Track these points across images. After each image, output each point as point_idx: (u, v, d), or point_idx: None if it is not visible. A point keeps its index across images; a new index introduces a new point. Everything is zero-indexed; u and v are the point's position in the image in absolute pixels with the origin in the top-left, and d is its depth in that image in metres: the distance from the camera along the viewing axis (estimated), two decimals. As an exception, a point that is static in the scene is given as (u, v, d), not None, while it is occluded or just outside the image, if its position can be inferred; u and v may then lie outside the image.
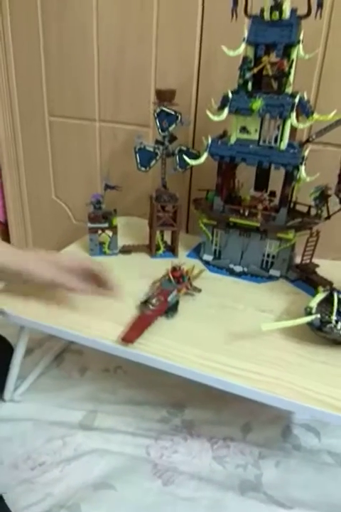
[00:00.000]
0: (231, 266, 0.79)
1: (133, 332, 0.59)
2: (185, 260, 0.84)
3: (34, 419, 0.79)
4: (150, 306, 0.64)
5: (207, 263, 0.82)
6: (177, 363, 0.56)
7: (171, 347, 0.59)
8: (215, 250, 0.82)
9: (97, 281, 0.65)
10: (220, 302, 0.70)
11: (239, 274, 0.78)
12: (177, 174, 0.82)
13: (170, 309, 0.65)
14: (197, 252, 0.86)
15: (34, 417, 0.79)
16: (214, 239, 0.81)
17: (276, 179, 0.76)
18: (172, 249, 0.86)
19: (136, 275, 0.77)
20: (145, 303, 0.65)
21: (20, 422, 0.78)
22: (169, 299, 0.66)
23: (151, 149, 0.78)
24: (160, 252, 0.84)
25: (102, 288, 0.65)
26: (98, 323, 0.64)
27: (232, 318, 0.66)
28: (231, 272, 0.79)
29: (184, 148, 0.78)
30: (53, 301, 0.69)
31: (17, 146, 1.14)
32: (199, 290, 0.72)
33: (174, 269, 0.71)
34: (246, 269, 0.79)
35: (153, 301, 0.64)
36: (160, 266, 0.81)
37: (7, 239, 1.29)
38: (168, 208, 0.81)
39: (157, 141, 0.77)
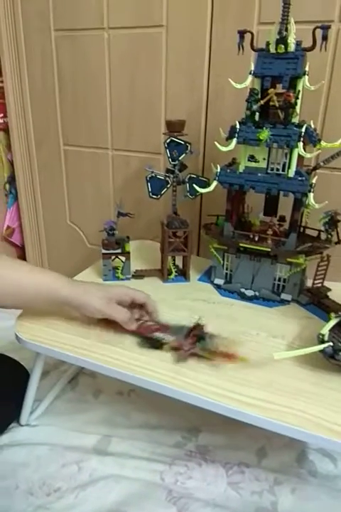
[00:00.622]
0: (243, 290, 0.80)
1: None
2: (196, 285, 0.85)
3: (49, 444, 0.80)
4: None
5: (218, 287, 0.83)
6: (187, 391, 0.57)
7: (181, 374, 0.59)
8: (226, 274, 0.83)
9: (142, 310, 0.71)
10: (232, 328, 0.70)
11: (250, 298, 0.79)
12: (187, 200, 0.84)
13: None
14: (208, 275, 0.87)
15: (49, 442, 0.80)
16: (224, 263, 0.82)
17: (286, 203, 0.77)
18: (183, 274, 0.87)
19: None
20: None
21: (35, 446, 0.79)
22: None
23: (162, 178, 0.80)
24: (172, 276, 0.86)
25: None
26: (113, 351, 0.65)
27: (244, 344, 0.67)
28: (243, 296, 0.80)
29: (194, 176, 0.80)
30: (69, 327, 0.71)
31: (33, 173, 1.19)
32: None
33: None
34: (257, 294, 0.79)
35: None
36: (172, 290, 0.83)
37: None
38: (179, 234, 0.83)
39: (168, 170, 0.80)
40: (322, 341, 0.56)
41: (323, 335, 0.57)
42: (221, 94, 0.90)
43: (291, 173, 0.71)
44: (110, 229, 0.82)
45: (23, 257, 1.32)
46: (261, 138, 0.68)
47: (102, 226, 0.83)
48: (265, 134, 0.68)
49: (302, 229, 0.81)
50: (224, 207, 0.79)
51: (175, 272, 0.87)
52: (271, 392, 0.56)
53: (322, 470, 0.77)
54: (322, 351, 0.56)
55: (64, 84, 1.05)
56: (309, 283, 0.81)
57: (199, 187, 0.77)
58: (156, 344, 0.66)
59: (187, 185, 0.81)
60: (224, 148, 0.70)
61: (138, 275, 0.87)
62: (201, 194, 0.94)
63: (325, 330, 0.58)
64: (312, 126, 0.71)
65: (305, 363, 0.61)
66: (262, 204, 0.82)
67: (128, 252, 0.84)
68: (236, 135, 0.70)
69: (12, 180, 1.22)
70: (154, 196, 0.82)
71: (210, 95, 0.92)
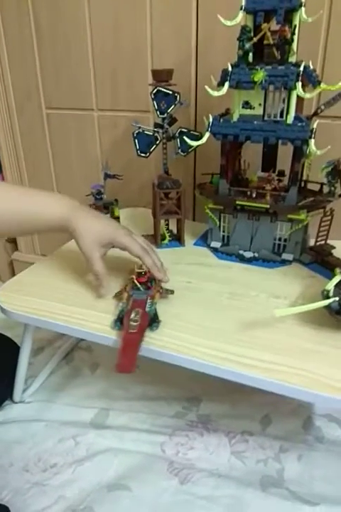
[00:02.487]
0: (241, 252, 0.75)
1: (126, 359, 0.51)
2: (192, 249, 0.80)
3: (45, 420, 0.77)
4: (132, 324, 0.55)
5: (215, 250, 0.78)
6: (188, 356, 0.53)
7: (181, 339, 0.55)
8: (223, 236, 0.78)
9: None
10: (230, 290, 0.66)
11: (249, 260, 0.74)
12: (180, 160, 0.78)
13: (153, 321, 0.57)
14: (204, 239, 0.82)
15: (45, 418, 0.77)
16: (221, 225, 0.77)
17: (284, 158, 0.72)
18: (178, 239, 0.82)
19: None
20: (121, 320, 0.57)
21: (30, 423, 0.76)
22: (147, 309, 0.58)
23: (150, 133, 0.74)
24: (166, 241, 0.81)
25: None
26: (102, 318, 0.61)
27: (244, 306, 0.62)
28: (242, 258, 0.75)
29: (185, 130, 0.74)
30: (57, 295, 0.66)
31: (16, 142, 1.12)
32: (172, 292, 0.64)
33: (139, 275, 0.63)
34: (256, 255, 0.74)
35: (132, 316, 0.56)
36: (166, 256, 0.78)
37: (14, 239, 1.28)
38: (172, 195, 0.78)
39: (156, 125, 0.74)
40: (327, 297, 0.52)
41: (328, 290, 0.52)
42: (211, 41, 0.82)
43: (290, 119, 0.64)
44: (97, 193, 0.77)
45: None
46: (256, 79, 0.62)
47: (89, 192, 0.78)
48: (260, 74, 0.61)
49: (303, 183, 0.75)
50: (219, 165, 0.73)
51: (169, 236, 0.81)
52: (275, 353, 0.52)
53: (330, 435, 0.74)
54: (327, 307, 0.51)
55: (43, 42, 0.98)
56: (311, 242, 0.76)
57: (191, 141, 0.71)
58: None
59: (178, 140, 0.75)
60: (215, 93, 0.64)
61: (130, 242, 0.82)
62: (194, 152, 0.88)
63: (331, 285, 0.53)
64: (311, 67, 0.64)
65: (310, 322, 0.57)
66: (259, 160, 0.76)
67: (118, 217, 0.79)
68: (229, 78, 0.64)
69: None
70: (142, 154, 0.76)
71: (200, 42, 0.84)
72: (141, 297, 0.61)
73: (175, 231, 0.83)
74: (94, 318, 0.60)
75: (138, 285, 0.62)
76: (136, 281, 0.62)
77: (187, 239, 0.82)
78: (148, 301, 0.60)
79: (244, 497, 0.64)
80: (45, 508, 0.62)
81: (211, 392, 0.83)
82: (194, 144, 0.69)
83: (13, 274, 1.22)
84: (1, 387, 0.79)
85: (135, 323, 0.55)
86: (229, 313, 0.61)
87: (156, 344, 0.55)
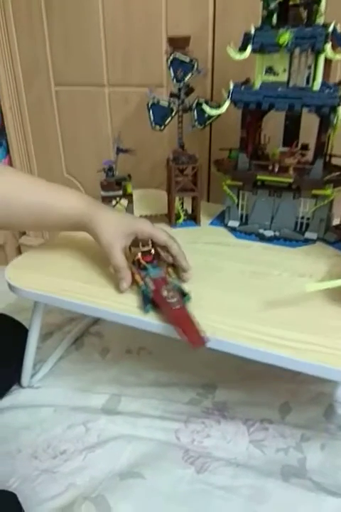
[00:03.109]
0: (261, 231, 0.71)
1: (194, 333, 0.48)
2: (208, 229, 0.76)
3: (54, 405, 0.74)
4: (172, 301, 0.52)
5: (233, 229, 0.74)
6: (212, 336, 0.49)
7: (204, 319, 0.51)
8: (242, 215, 0.74)
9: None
10: (252, 269, 0.62)
11: (270, 239, 0.70)
12: (195, 136, 0.74)
13: (183, 294, 0.54)
14: (221, 219, 0.78)
15: (54, 403, 0.74)
16: (239, 203, 0.73)
17: (307, 132, 0.67)
18: (193, 218, 0.78)
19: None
20: (151, 301, 0.53)
21: (39, 408, 0.73)
22: (173, 286, 0.55)
23: (166, 104, 0.70)
24: (181, 221, 0.77)
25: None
26: (119, 297, 0.57)
27: (267, 284, 0.58)
28: (262, 238, 0.71)
29: (202, 101, 0.70)
30: (67, 275, 0.63)
31: (24, 121, 1.08)
32: (174, 266, 0.61)
33: (145, 254, 0.59)
34: (277, 234, 0.70)
35: (165, 294, 0.53)
36: (181, 235, 0.74)
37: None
38: (187, 171, 0.74)
39: (172, 95, 0.69)
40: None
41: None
42: (229, 8, 0.78)
43: (317, 85, 0.60)
44: (109, 169, 0.73)
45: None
46: (281, 42, 0.57)
47: (100, 168, 0.74)
48: (285, 36, 0.57)
49: (327, 158, 0.70)
50: (237, 141, 0.69)
51: (184, 216, 0.78)
52: (303, 332, 0.48)
53: (353, 424, 0.70)
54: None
55: (52, 15, 0.94)
56: (336, 221, 0.72)
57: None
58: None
59: (195, 112, 0.70)
60: (237, 56, 0.60)
61: (143, 221, 0.78)
62: (210, 127, 0.84)
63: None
64: (339, 30, 0.60)
65: (338, 300, 0.52)
66: (280, 135, 0.71)
67: (131, 194, 0.75)
68: (252, 42, 0.59)
69: (2, 130, 1.12)
70: (157, 127, 0.72)
71: (217, 10, 0.79)
72: (159, 275, 0.57)
73: (189, 211, 0.79)
74: (114, 298, 0.57)
75: (145, 264, 0.59)
76: (142, 260, 0.59)
77: (202, 219, 0.78)
78: (167, 278, 0.57)
79: (265, 487, 0.61)
80: (54, 495, 0.59)
81: (226, 379, 0.79)
82: (213, 112, 0.65)
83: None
84: (8, 372, 0.76)
85: (174, 299, 0.52)
86: (252, 291, 0.57)
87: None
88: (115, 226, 0.59)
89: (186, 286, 0.57)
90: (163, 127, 0.72)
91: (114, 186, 0.73)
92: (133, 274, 0.58)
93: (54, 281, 0.61)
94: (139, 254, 0.59)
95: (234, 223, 0.74)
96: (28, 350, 0.73)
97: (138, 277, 0.57)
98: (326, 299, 0.53)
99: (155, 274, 0.57)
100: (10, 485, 0.60)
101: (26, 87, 1.05)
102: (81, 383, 0.79)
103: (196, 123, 0.72)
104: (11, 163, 1.14)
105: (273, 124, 0.71)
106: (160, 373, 0.81)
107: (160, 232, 0.60)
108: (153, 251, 0.60)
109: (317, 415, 0.72)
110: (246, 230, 0.72)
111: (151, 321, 0.53)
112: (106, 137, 0.99)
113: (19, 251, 1.27)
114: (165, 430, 0.69)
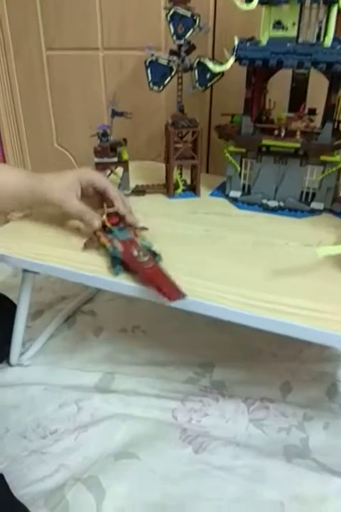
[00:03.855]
0: (265, 201, 0.67)
1: (169, 288, 0.45)
2: (208, 199, 0.72)
3: (44, 384, 0.70)
4: (143, 259, 0.49)
5: (234, 200, 0.70)
6: (217, 303, 0.45)
7: (207, 287, 0.48)
8: (244, 185, 0.70)
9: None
10: (256, 239, 0.58)
11: (274, 210, 0.66)
12: (194, 101, 0.70)
13: (154, 255, 0.52)
14: (221, 190, 0.74)
15: (44, 382, 0.71)
16: (242, 172, 0.69)
17: (313, 99, 0.64)
18: (192, 188, 0.74)
19: (151, 219, 0.65)
20: (121, 263, 0.51)
21: (28, 386, 0.69)
22: (143, 246, 0.52)
23: (165, 62, 0.65)
24: (179, 191, 0.73)
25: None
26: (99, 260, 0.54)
27: (272, 254, 0.55)
28: (265, 208, 0.67)
29: (205, 59, 0.65)
30: (53, 242, 0.59)
31: (13, 89, 1.03)
32: (146, 228, 0.59)
33: (110, 216, 0.57)
34: (282, 204, 0.66)
35: (135, 254, 0.50)
36: (180, 206, 0.70)
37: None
38: (187, 138, 0.69)
39: (171, 52, 0.65)
40: None
41: None
42: None
43: (328, 41, 0.56)
44: (103, 134, 0.68)
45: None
46: (292, -9, 0.53)
47: (94, 133, 0.69)
48: (297, -17, 0.52)
49: (336, 125, 0.66)
50: (239, 107, 0.65)
51: (183, 186, 0.73)
52: (313, 300, 0.45)
53: (357, 403, 0.67)
54: None
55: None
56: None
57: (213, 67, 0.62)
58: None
59: (196, 72, 0.66)
60: (244, 6, 0.55)
61: (139, 191, 0.74)
62: (210, 90, 0.80)
63: None
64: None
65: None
66: (286, 101, 0.67)
67: (127, 161, 0.70)
68: (259, -9, 0.55)
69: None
70: (155, 87, 0.67)
71: None
72: (126, 237, 0.55)
73: (188, 182, 0.75)
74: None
75: (111, 226, 0.56)
76: (107, 223, 0.56)
77: (201, 190, 0.74)
78: (135, 239, 0.54)
79: (267, 467, 0.58)
80: (45, 476, 0.56)
81: (224, 358, 0.76)
82: (218, 68, 0.60)
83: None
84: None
85: (146, 258, 0.49)
86: (257, 260, 0.53)
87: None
88: (59, 182, 0.58)
89: (187, 253, 0.53)
90: (161, 88, 0.67)
91: (108, 152, 0.69)
92: (98, 237, 0.56)
93: (39, 248, 0.57)
94: (104, 216, 0.56)
95: (235, 193, 0.70)
96: (17, 325, 0.69)
97: (104, 240, 0.54)
98: (334, 268, 0.50)
99: (123, 236, 0.54)
100: (-3, 466, 0.56)
101: (15, 53, 0.99)
102: (73, 362, 0.75)
103: (197, 84, 0.67)
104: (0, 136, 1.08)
105: (278, 87, 0.67)
106: (156, 352, 0.78)
107: (113, 185, 0.60)
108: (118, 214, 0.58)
109: (320, 394, 0.69)
110: (248, 201, 0.68)
111: (124, 283, 0.50)
112: (99, 105, 0.94)
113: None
114: (162, 409, 0.66)
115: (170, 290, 0.45)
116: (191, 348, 0.78)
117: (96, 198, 0.61)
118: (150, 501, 0.54)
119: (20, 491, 0.53)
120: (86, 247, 0.56)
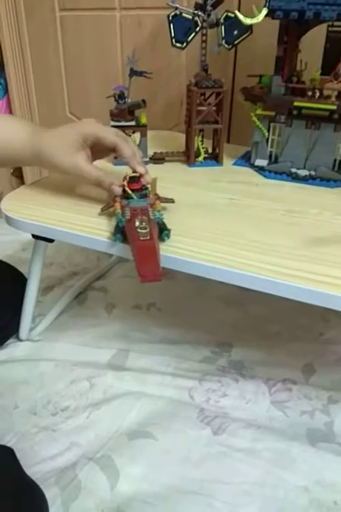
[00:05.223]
0: (294, 170, 0.63)
1: (147, 266, 0.42)
2: (232, 168, 0.68)
3: (55, 360, 0.67)
4: (141, 231, 0.45)
5: (261, 169, 0.65)
6: (245, 271, 0.41)
7: (234, 255, 0.44)
8: (271, 153, 0.65)
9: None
10: (286, 208, 0.54)
11: (304, 179, 0.62)
12: (216, 62, 0.65)
13: (163, 229, 0.48)
14: (245, 159, 0.69)
15: (55, 357, 0.67)
16: (270, 137, 0.64)
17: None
18: (215, 157, 0.69)
19: (172, 187, 0.61)
20: (121, 232, 0.47)
21: (38, 362, 0.66)
22: (151, 217, 0.47)
23: (189, 16, 0.60)
24: (201, 158, 0.68)
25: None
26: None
27: (305, 223, 0.51)
28: (295, 177, 0.62)
29: (232, 15, 0.60)
30: (65, 206, 0.55)
31: (24, 54, 0.97)
32: (172, 200, 0.54)
33: (132, 180, 0.52)
34: (313, 173, 0.62)
35: (137, 224, 0.46)
36: (202, 174, 0.66)
37: (20, 173, 1.16)
38: (211, 100, 0.64)
39: (196, 5, 0.60)
40: None
41: None
42: None
43: (373, -10, 0.51)
44: (120, 95, 0.64)
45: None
46: None
47: (110, 94, 0.65)
48: None
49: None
50: (265, 70, 0.60)
51: (205, 153, 0.69)
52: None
53: None
54: None
55: None
56: None
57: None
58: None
59: (223, 28, 0.61)
60: (248, 21, 0.50)
61: (158, 158, 0.69)
62: (235, 50, 0.75)
63: None
64: None
65: None
66: (317, 64, 0.62)
67: (145, 126, 0.66)
68: None
69: (1, 67, 1.01)
70: (178, 44, 0.62)
71: None
72: (140, 205, 0.50)
73: (210, 150, 0.71)
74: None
75: (131, 192, 0.51)
76: (127, 188, 0.51)
77: (224, 160, 0.69)
78: (150, 209, 0.49)
79: (289, 451, 0.55)
80: (55, 455, 0.53)
81: (243, 338, 0.73)
82: (248, 21, 0.55)
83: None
84: (5, 322, 0.69)
85: (144, 230, 0.45)
86: (288, 229, 0.49)
87: (205, 259, 0.44)
88: (63, 139, 0.52)
89: (209, 220, 0.49)
90: (184, 45, 0.62)
91: (125, 115, 0.64)
92: (114, 201, 0.51)
93: (51, 213, 0.53)
94: (125, 181, 0.52)
95: (262, 162, 0.65)
96: (28, 298, 0.65)
97: (117, 205, 0.50)
98: None
99: (136, 204, 0.50)
100: (6, 443, 0.53)
101: (27, 15, 0.93)
102: (84, 338, 0.72)
103: (223, 41, 0.62)
104: (9, 103, 1.03)
105: (309, 49, 0.61)
106: (171, 330, 0.74)
107: (108, 130, 0.53)
108: (143, 180, 0.52)
109: (345, 377, 0.65)
110: (276, 169, 0.64)
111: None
112: (115, 69, 0.89)
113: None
114: (178, 388, 0.63)
115: (145, 269, 0.42)
116: (208, 327, 0.75)
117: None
118: (168, 484, 0.51)
119: (31, 469, 0.50)
120: (102, 211, 0.52)
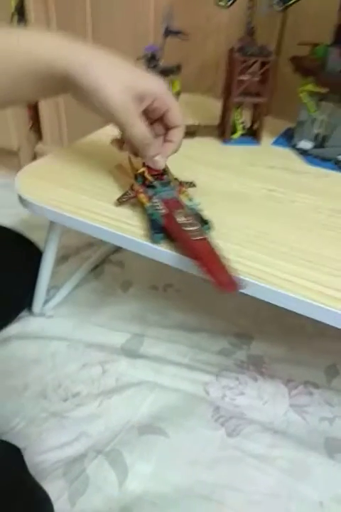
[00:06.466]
0: (342, 158, 0.55)
1: (222, 273, 0.36)
2: (271, 149, 0.61)
3: (68, 339, 0.64)
4: (190, 228, 0.39)
5: (304, 152, 0.58)
6: (278, 288, 0.36)
7: (268, 265, 0.39)
8: (317, 135, 0.57)
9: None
10: (332, 206, 0.48)
11: (353, 170, 0.55)
12: (261, 24, 0.56)
13: (202, 221, 0.41)
14: (287, 138, 0.62)
15: (68, 337, 0.65)
16: (318, 117, 0.56)
17: None
18: (253, 134, 0.62)
19: (201, 169, 0.54)
20: (161, 229, 0.41)
21: (51, 340, 0.64)
22: (188, 208, 0.42)
23: (239, -34, 0.51)
24: (237, 135, 0.61)
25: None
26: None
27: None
28: (341, 167, 0.55)
29: (289, -33, 0.50)
30: (87, 188, 0.49)
31: (49, 11, 0.87)
32: (194, 184, 0.48)
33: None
34: (364, 164, 0.55)
35: (182, 220, 0.39)
36: (236, 154, 0.59)
37: (38, 128, 1.09)
38: (254, 69, 0.56)
39: None
40: None
41: None
42: None
43: None
44: (151, 57, 0.56)
45: (36, 119, 1.08)
46: None
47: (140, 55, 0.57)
48: None
49: None
50: (320, 38, 0.51)
51: (242, 129, 0.61)
52: None
53: None
54: None
55: None
56: None
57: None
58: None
59: (277, -17, 0.51)
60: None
61: (189, 132, 0.62)
62: (284, 14, 0.65)
63: None
64: None
65: None
66: None
67: (178, 94, 0.59)
68: None
69: (21, 10, 0.92)
70: (221, 2, 0.53)
71: None
72: (170, 195, 0.43)
73: (248, 125, 0.63)
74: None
75: (152, 180, 0.44)
76: (147, 174, 0.44)
77: (263, 137, 0.62)
78: (180, 199, 0.43)
79: (306, 461, 0.52)
80: (63, 444, 0.51)
81: (264, 330, 0.69)
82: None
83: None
84: (18, 294, 0.65)
85: (194, 228, 0.39)
86: (334, 235, 0.43)
87: (237, 269, 0.38)
88: (123, 82, 0.39)
89: (243, 218, 0.43)
90: (230, 2, 0.53)
91: (156, 80, 0.57)
92: (136, 192, 0.45)
93: (71, 197, 0.47)
94: (144, 167, 0.45)
95: (306, 144, 0.58)
96: (42, 274, 0.62)
97: (143, 197, 0.43)
98: None
99: (167, 194, 0.43)
100: (14, 426, 0.52)
101: None
102: (99, 317, 0.69)
103: (274, 2, 0.53)
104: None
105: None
106: (189, 315, 0.71)
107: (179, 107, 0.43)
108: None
109: (371, 384, 0.61)
110: (321, 155, 0.57)
111: (165, 251, 0.40)
112: (145, 27, 0.79)
113: (35, 160, 1.13)
114: (193, 381, 0.60)
115: (222, 276, 0.35)
116: (227, 314, 0.71)
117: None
118: (178, 485, 0.49)
119: (38, 457, 0.49)
120: (119, 202, 0.46)
